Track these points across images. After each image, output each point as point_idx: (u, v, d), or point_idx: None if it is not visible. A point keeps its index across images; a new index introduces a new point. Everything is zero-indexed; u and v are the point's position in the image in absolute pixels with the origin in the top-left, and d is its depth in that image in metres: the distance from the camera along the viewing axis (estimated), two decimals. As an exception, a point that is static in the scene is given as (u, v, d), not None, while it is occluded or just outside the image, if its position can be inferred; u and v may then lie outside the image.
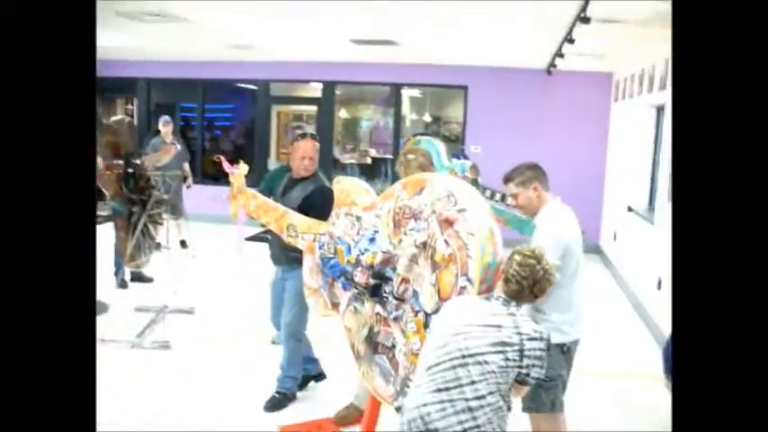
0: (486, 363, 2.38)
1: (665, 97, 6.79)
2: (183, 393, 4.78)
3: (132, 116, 12.66)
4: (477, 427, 2.36)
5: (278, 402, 4.60)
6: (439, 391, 2.38)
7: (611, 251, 9.48)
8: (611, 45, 7.51)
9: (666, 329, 6.05)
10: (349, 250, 3.37)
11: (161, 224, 6.53)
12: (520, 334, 2.44)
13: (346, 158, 14.97)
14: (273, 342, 5.46)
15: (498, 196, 6.87)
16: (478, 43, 8.24)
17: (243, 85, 12.91)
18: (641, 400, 5.00)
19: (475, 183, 6.70)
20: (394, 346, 2.95)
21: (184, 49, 10.18)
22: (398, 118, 11.94)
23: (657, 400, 5.01)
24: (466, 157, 7.87)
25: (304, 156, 4.41)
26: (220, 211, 7.76)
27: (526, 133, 10.49)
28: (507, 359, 2.41)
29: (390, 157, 13.02)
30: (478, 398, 2.37)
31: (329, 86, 11.78)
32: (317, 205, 4.09)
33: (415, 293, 2.85)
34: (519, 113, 10.62)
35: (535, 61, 9.57)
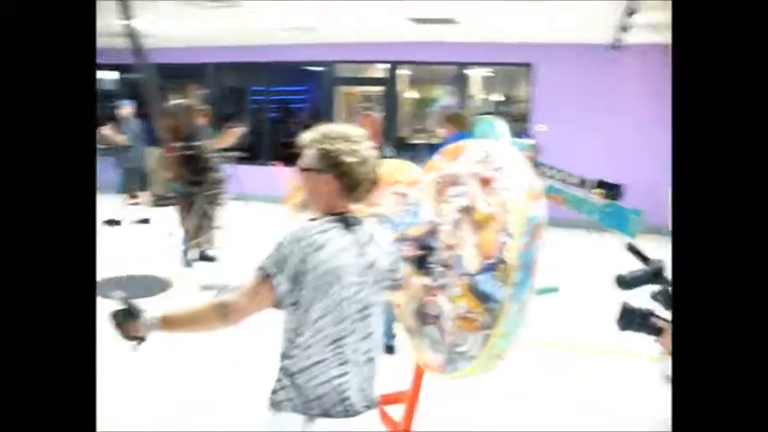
0: (376, 311, 2.21)
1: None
2: (250, 365, 4.85)
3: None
4: (374, 368, 2.23)
5: None
6: (346, 363, 2.14)
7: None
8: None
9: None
10: (395, 228, 3.36)
11: (220, 204, 6.61)
12: (382, 251, 2.22)
13: (415, 139, 14.92)
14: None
15: (560, 176, 6.77)
16: (540, 20, 8.08)
17: (309, 68, 12.98)
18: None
19: (532, 162, 6.62)
20: (441, 315, 2.94)
21: (248, 34, 10.30)
22: (463, 98, 11.79)
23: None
24: (528, 137, 7.79)
25: None
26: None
27: (593, 110, 10.26)
28: (385, 287, 2.27)
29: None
30: (376, 347, 2.23)
31: (393, 66, 11.72)
32: None
33: (459, 258, 2.83)
34: (585, 91, 10.38)
35: (599, 36, 9.34)
